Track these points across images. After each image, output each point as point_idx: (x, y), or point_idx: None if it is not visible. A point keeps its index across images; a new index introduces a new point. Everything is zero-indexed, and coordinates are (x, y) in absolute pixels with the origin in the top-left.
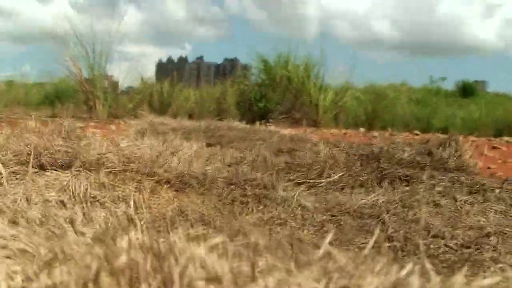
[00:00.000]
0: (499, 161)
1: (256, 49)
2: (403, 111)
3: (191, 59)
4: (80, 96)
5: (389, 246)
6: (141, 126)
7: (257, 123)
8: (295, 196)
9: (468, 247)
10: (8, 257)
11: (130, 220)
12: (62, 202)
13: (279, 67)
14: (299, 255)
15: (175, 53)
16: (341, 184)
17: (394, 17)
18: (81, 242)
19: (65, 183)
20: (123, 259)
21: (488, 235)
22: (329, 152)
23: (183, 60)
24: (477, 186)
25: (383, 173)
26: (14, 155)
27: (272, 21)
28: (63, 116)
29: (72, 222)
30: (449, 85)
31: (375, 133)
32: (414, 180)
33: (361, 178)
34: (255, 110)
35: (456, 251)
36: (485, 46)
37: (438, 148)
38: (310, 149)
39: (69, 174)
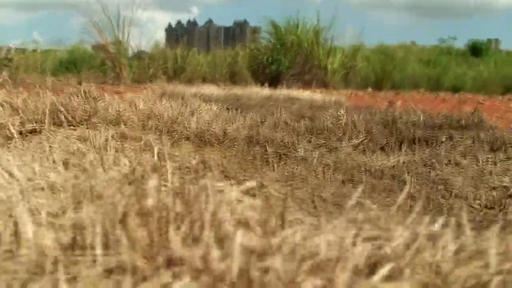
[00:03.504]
0: None
1: (265, 12)
2: (412, 71)
3: (200, 23)
4: (94, 62)
5: (411, 205)
6: (162, 91)
7: (278, 87)
8: (316, 156)
9: (492, 208)
10: (35, 191)
11: (155, 169)
12: (83, 152)
13: (289, 32)
14: (323, 211)
15: (183, 17)
16: (362, 148)
17: None
18: (110, 181)
19: (85, 134)
20: (151, 200)
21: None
22: (350, 118)
23: (192, 24)
24: (498, 142)
25: (403, 135)
26: (32, 113)
27: None
28: (90, 81)
29: (101, 160)
30: (460, 45)
31: (382, 94)
32: (434, 142)
33: (381, 142)
34: (267, 73)
35: (480, 211)
36: (497, 4)
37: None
38: (331, 115)
39: (88, 127)
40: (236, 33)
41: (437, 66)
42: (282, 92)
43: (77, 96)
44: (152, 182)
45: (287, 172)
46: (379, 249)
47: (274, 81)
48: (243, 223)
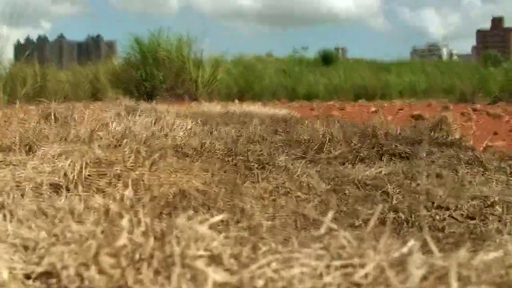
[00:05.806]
0: None
1: (118, 26)
2: (270, 81)
3: (51, 38)
4: None
5: (394, 218)
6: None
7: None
8: (299, 167)
9: (473, 218)
10: (8, 249)
11: (130, 204)
12: (56, 186)
13: (153, 47)
14: (302, 234)
15: (33, 33)
16: (341, 160)
17: None
18: (82, 229)
19: (58, 164)
20: (123, 239)
21: (492, 204)
22: (327, 129)
23: (43, 39)
24: (476, 161)
25: (383, 149)
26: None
27: None
28: None
29: (71, 212)
30: (311, 54)
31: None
32: (414, 156)
33: (361, 154)
34: (142, 89)
35: (462, 222)
36: (343, 14)
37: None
38: (306, 127)
39: (62, 153)
40: (91, 48)
41: (292, 76)
42: (235, 108)
43: (46, 120)
44: (125, 222)
45: (271, 184)
46: (350, 277)
47: (148, 97)
48: (216, 257)
